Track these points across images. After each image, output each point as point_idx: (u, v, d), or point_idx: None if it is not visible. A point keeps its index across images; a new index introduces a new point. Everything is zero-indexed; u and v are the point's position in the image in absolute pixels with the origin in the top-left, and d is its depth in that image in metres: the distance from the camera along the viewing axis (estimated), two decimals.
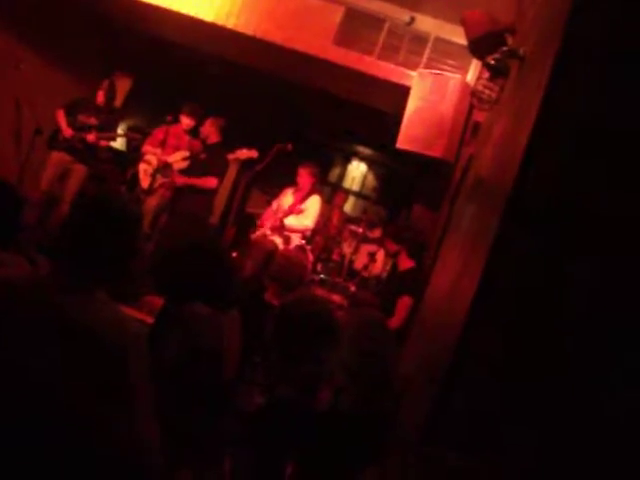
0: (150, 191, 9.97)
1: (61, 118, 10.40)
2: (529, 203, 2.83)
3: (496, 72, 4.56)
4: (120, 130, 11.55)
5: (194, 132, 10.52)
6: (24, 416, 2.68)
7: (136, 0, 10.36)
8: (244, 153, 9.93)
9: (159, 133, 10.45)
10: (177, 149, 10.25)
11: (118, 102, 12.66)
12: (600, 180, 2.79)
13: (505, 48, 4.58)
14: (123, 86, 13.18)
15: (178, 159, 10.11)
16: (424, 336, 4.81)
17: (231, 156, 10.08)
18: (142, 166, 10.34)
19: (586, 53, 2.90)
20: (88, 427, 2.74)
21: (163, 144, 10.21)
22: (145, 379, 2.93)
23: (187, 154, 10.15)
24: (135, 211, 3.26)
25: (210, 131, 10.23)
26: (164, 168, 10.05)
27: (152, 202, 9.97)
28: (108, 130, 10.65)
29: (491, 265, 2.85)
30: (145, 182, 10.11)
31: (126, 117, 13.31)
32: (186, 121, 10.41)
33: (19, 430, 2.66)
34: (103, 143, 10.62)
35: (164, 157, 10.10)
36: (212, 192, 10.17)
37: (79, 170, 10.34)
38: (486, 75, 4.67)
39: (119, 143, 12.77)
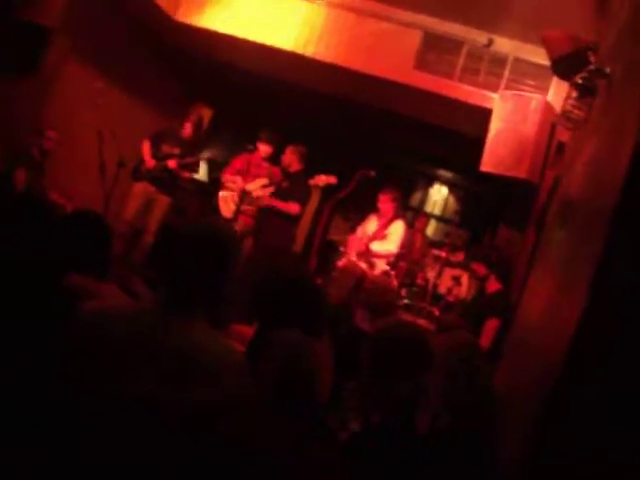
0: (232, 219, 10.03)
1: (146, 149, 10.59)
2: (634, 222, 2.79)
3: (584, 91, 4.53)
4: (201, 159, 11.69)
5: (274, 159, 10.56)
6: (129, 443, 2.72)
7: (213, 31, 10.55)
8: (322, 179, 9.92)
9: (238, 162, 10.54)
10: (256, 177, 10.29)
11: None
12: None
13: (592, 67, 4.54)
14: (204, 116, 13.35)
15: (258, 187, 10.17)
16: (520, 358, 4.76)
17: (310, 182, 10.09)
18: (222, 195, 10.44)
19: None
20: (189, 452, 2.77)
21: (242, 172, 10.27)
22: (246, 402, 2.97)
23: (266, 181, 10.18)
24: (233, 238, 3.30)
25: (291, 159, 10.25)
26: (244, 196, 10.11)
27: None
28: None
29: (596, 288, 2.81)
30: (226, 211, 10.19)
31: (207, 147, 13.46)
32: (264, 148, 10.45)
33: (124, 456, 2.72)
34: (185, 174, 10.73)
35: (244, 185, 10.16)
36: (295, 220, 10.20)
37: (163, 201, 10.46)
38: (574, 94, 4.64)
39: (201, 174, 12.90)
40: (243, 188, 10.15)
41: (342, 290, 7.17)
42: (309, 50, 10.39)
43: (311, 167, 10.29)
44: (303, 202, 10.15)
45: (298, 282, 4.19)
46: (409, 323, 4.51)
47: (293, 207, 9.99)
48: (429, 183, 16.22)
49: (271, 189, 10.14)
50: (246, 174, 10.27)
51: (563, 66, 5.37)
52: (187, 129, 10.79)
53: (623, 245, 2.78)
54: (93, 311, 3.04)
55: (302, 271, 4.60)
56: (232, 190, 10.31)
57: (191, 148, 10.80)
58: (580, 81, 4.51)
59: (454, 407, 3.81)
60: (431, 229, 15.09)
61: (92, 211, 4.46)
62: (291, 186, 10.12)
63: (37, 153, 9.96)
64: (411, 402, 3.67)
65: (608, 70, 4.32)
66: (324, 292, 7.17)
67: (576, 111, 4.59)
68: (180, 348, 2.85)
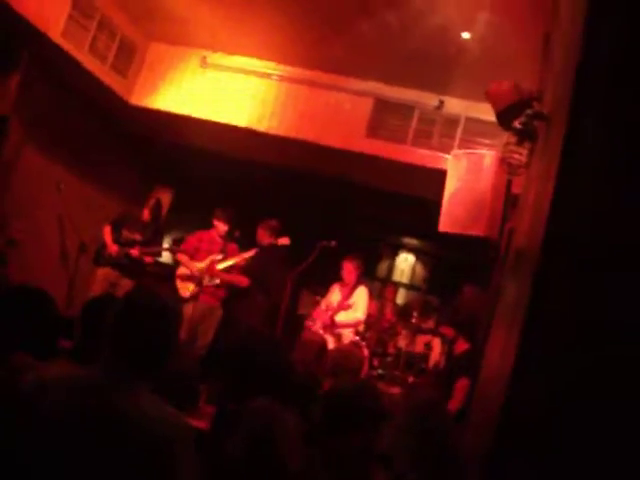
0: (190, 299, 9.93)
1: (107, 234, 10.59)
2: (556, 266, 2.76)
3: (523, 136, 4.51)
4: (165, 244, 11.65)
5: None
6: None
7: (168, 113, 10.57)
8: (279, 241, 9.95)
9: (191, 240, 10.52)
10: (210, 254, 10.22)
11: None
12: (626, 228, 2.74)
13: (530, 111, 4.52)
14: (164, 199, 13.34)
15: (209, 263, 10.12)
16: (479, 413, 4.69)
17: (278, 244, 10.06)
18: (178, 275, 10.37)
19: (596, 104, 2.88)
20: None
21: (196, 251, 10.22)
22: (194, 472, 2.88)
23: (220, 257, 10.13)
24: (168, 303, 3.23)
25: (261, 234, 10.25)
26: (199, 274, 10.03)
27: (191, 310, 9.89)
28: (153, 245, 10.77)
29: (526, 333, 2.78)
30: (184, 291, 10.09)
31: (170, 230, 13.39)
32: (221, 226, 10.40)
33: None
34: (148, 259, 10.70)
35: (196, 263, 10.10)
36: (266, 293, 10.05)
37: (126, 285, 10.30)
38: (513, 140, 4.61)
39: (165, 257, 12.84)
40: (196, 266, 10.07)
41: (305, 362, 7.06)
42: (263, 125, 10.44)
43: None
44: (279, 274, 10.05)
45: (267, 351, 4.19)
46: (360, 382, 4.46)
47: (242, 280, 10.00)
48: (395, 252, 16.19)
49: (225, 263, 10.09)
50: (199, 252, 10.21)
51: (507, 117, 5.35)
52: (145, 214, 10.85)
53: (550, 288, 2.75)
54: (32, 382, 2.96)
55: (272, 342, 4.59)
56: (186, 270, 10.25)
57: (152, 232, 10.82)
58: (519, 125, 4.49)
59: (419, 466, 3.70)
60: (400, 297, 15.03)
61: (34, 287, 4.34)
62: (266, 258, 10.08)
63: (1, 243, 9.83)
64: (364, 458, 3.59)
65: (546, 112, 4.30)
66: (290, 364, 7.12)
67: (516, 156, 4.56)
68: (122, 413, 2.79)
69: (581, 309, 2.70)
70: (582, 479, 2.64)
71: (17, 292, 4.22)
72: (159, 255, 11.28)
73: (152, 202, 11.07)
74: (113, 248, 10.45)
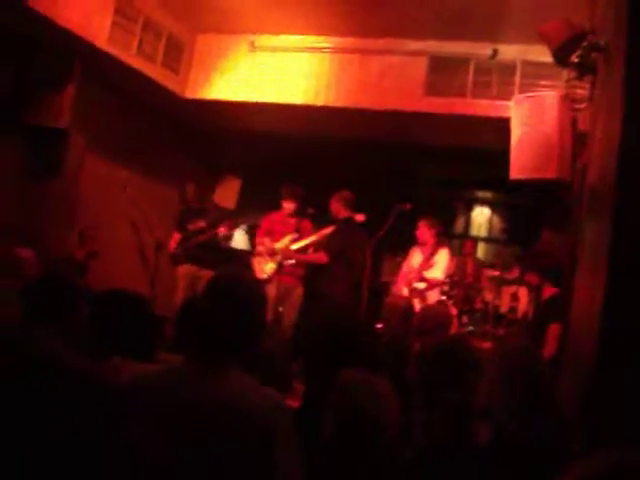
0: (269, 280, 9.97)
1: (174, 239, 10.90)
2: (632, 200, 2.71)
3: (583, 69, 4.45)
4: (240, 229, 11.76)
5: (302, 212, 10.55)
6: None
7: (226, 101, 10.62)
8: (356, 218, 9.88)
9: (265, 222, 10.61)
10: (284, 234, 10.27)
11: (231, 203, 12.90)
12: None
13: (586, 44, 4.45)
14: (233, 187, 13.42)
15: (286, 243, 10.15)
16: (572, 352, 4.64)
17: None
18: (255, 258, 10.45)
19: None
20: None
21: (270, 232, 10.29)
22: (293, 450, 2.89)
23: (295, 236, 10.19)
24: (256, 289, 3.25)
25: (336, 207, 10.07)
26: (276, 255, 10.09)
27: (270, 292, 9.93)
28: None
29: (612, 264, 2.73)
30: (261, 273, 10.14)
31: (244, 217, 13.41)
32: (287, 205, 10.44)
33: None
34: (222, 229, 10.90)
35: (272, 245, 10.16)
36: (349, 266, 9.97)
37: (207, 276, 10.38)
38: (573, 75, 4.55)
39: (242, 242, 12.91)
40: (272, 248, 10.13)
41: (392, 325, 7.03)
42: (320, 99, 10.42)
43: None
44: (359, 245, 9.99)
45: (345, 327, 4.18)
46: (452, 336, 4.45)
47: (320, 257, 9.86)
48: (470, 207, 16.02)
49: (301, 243, 10.16)
50: (274, 233, 10.28)
51: (564, 53, 5.28)
52: (191, 203, 11.22)
53: (629, 223, 2.70)
54: (128, 384, 3.03)
55: (355, 316, 4.58)
56: (262, 252, 10.30)
57: (215, 215, 11.00)
58: (576, 60, 4.43)
59: (519, 415, 3.67)
60: (481, 251, 14.88)
61: (129, 291, 4.40)
62: (343, 232, 9.98)
63: (82, 255, 9.95)
64: (462, 409, 3.58)
65: (602, 43, 4.23)
66: (375, 332, 7.11)
67: (579, 90, 4.51)
68: (216, 398, 2.83)
69: None
70: None
71: (112, 297, 4.27)
72: (230, 231, 11.36)
73: (189, 190, 11.32)
74: (172, 246, 10.84)
